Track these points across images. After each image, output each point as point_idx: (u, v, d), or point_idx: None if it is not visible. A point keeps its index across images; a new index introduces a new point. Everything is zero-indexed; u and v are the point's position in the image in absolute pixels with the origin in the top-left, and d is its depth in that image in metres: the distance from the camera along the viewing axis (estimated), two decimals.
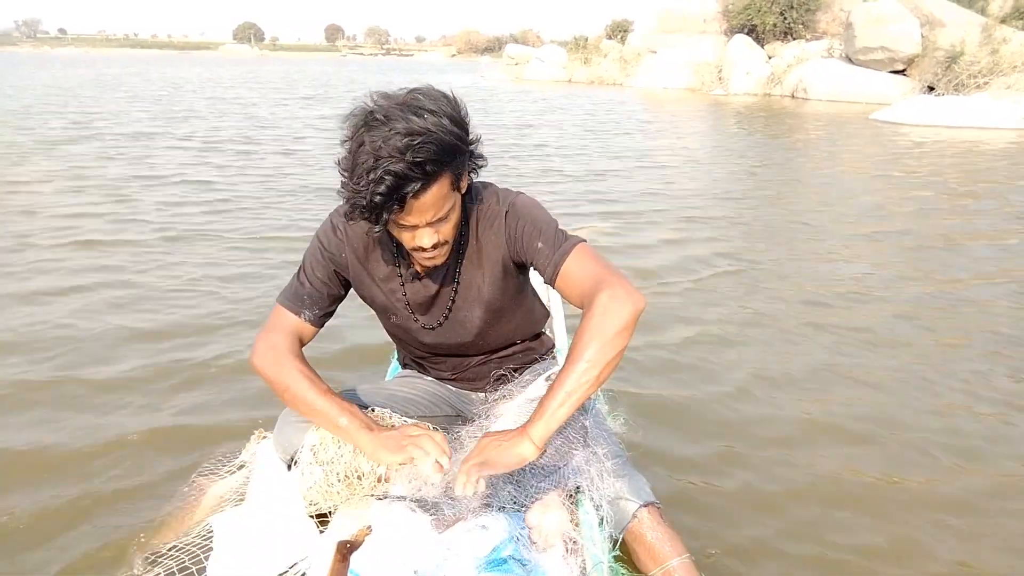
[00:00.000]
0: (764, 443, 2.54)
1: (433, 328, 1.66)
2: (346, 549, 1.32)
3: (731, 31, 28.33)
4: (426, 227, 1.39)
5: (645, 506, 1.50)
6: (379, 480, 1.51)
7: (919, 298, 4.11)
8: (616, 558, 1.44)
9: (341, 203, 1.43)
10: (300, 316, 1.58)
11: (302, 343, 1.59)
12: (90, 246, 4.79)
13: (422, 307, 1.63)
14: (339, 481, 1.50)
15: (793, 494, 2.24)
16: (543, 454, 1.42)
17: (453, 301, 1.62)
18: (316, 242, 1.61)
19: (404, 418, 1.61)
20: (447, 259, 1.54)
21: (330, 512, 1.53)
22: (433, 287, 1.60)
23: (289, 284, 1.63)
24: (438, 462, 1.42)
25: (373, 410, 1.59)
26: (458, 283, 1.60)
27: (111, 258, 4.54)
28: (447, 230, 1.43)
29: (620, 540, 1.49)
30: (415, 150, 1.25)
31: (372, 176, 1.25)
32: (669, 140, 11.77)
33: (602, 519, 1.45)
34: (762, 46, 27.14)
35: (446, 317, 1.64)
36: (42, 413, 2.53)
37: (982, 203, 6.93)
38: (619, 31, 36.09)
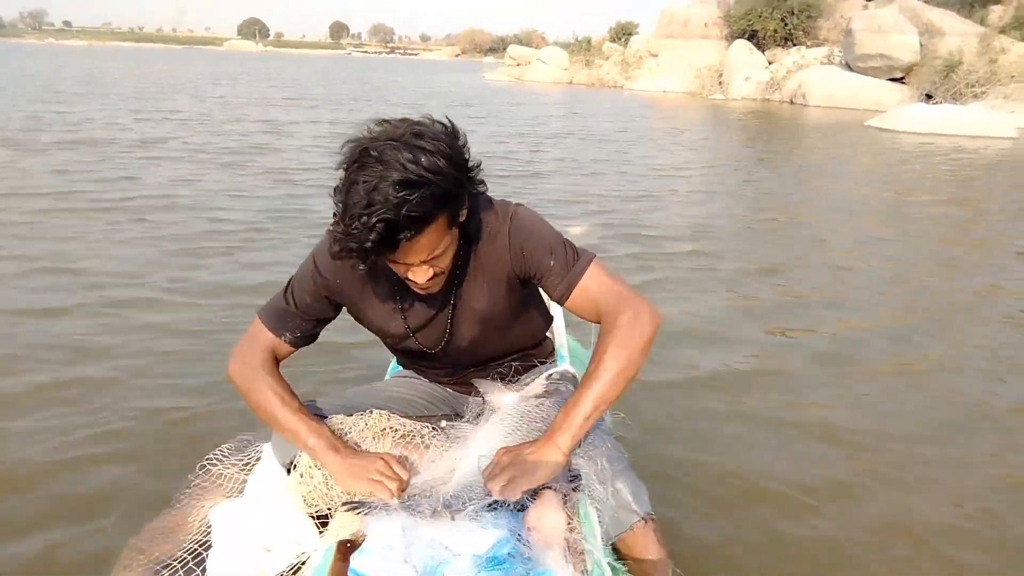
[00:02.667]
0: (765, 456, 2.51)
1: (432, 351, 1.63)
2: (346, 549, 1.31)
3: (732, 36, 28.40)
4: (421, 265, 1.35)
5: (643, 518, 1.50)
6: None
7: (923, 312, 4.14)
8: (616, 559, 1.46)
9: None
10: (280, 338, 1.54)
11: (278, 359, 1.56)
12: None
13: (420, 328, 1.59)
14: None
15: (798, 510, 2.20)
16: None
17: (451, 322, 1.58)
18: (311, 263, 1.53)
19: (403, 419, 1.60)
20: (440, 287, 1.49)
21: (330, 512, 1.51)
22: (432, 310, 1.56)
23: (273, 301, 1.56)
24: (397, 490, 1.43)
25: (371, 412, 1.58)
26: (455, 305, 1.56)
27: None
28: (443, 264, 1.39)
29: (612, 544, 1.51)
30: (409, 203, 1.20)
31: (364, 221, 1.20)
32: (691, 155, 11.08)
33: (601, 520, 1.46)
34: (762, 52, 27.19)
35: (446, 340, 1.61)
36: None
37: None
38: (623, 33, 36.12)
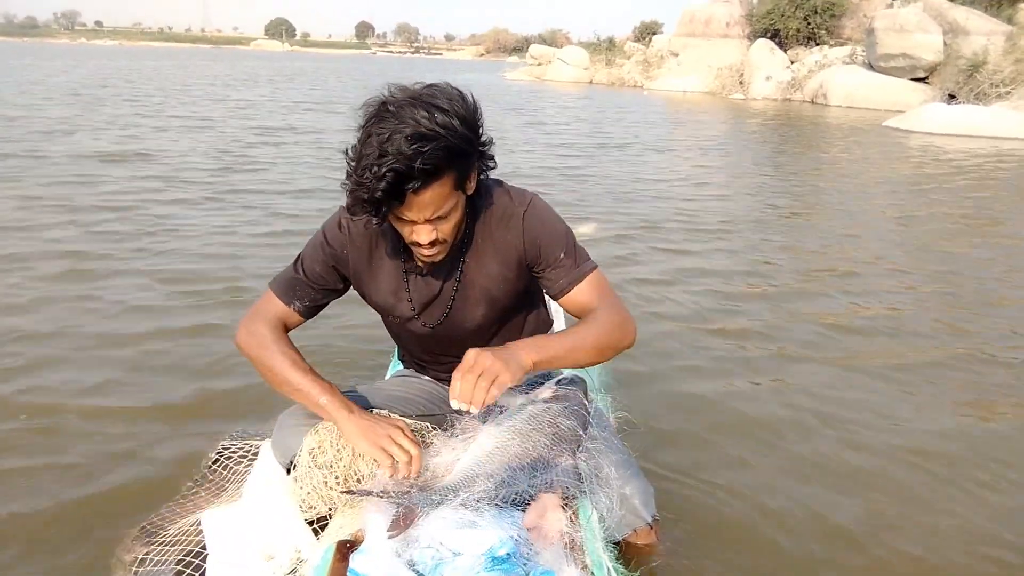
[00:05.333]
0: (771, 459, 2.48)
1: (433, 327, 1.65)
2: (345, 549, 1.32)
3: (754, 35, 28.14)
4: (425, 224, 1.38)
5: (648, 524, 1.58)
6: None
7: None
8: (616, 559, 1.48)
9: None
10: (290, 306, 1.59)
11: (287, 328, 1.60)
12: None
13: (424, 305, 1.62)
14: (338, 484, 1.49)
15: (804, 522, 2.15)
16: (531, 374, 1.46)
17: (454, 299, 1.61)
18: (320, 236, 1.60)
19: (401, 419, 1.61)
20: (448, 256, 1.53)
21: (329, 513, 1.53)
22: (436, 285, 1.59)
23: (284, 271, 1.62)
24: (406, 468, 1.45)
25: (372, 411, 1.59)
26: (460, 281, 1.59)
27: None
28: (446, 229, 1.42)
29: (616, 546, 1.55)
30: (422, 155, 1.25)
31: (375, 171, 1.26)
32: (724, 170, 9.93)
33: (603, 520, 1.49)
34: (785, 51, 26.93)
35: (446, 316, 1.63)
36: None
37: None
38: (647, 33, 35.96)
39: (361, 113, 1.33)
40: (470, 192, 1.45)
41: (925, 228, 6.35)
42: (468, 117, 1.34)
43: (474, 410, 1.34)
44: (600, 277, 1.58)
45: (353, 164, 1.32)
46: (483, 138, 1.40)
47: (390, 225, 1.47)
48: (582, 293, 1.55)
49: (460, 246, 1.55)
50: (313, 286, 1.60)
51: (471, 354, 1.38)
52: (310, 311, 1.62)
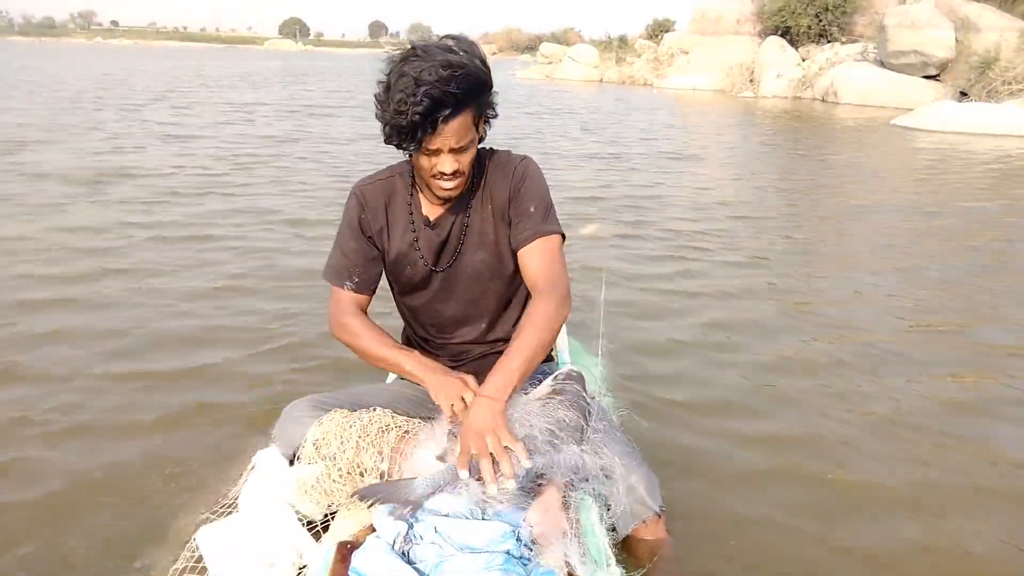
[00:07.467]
0: (769, 450, 2.51)
1: (443, 271, 1.75)
2: (346, 550, 1.33)
3: (764, 33, 27.99)
4: (448, 153, 1.53)
5: (656, 513, 1.61)
6: (381, 476, 1.51)
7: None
8: (616, 557, 1.49)
9: (359, 178, 1.75)
10: (343, 287, 1.75)
11: (362, 308, 1.76)
12: None
13: (435, 252, 1.74)
14: (341, 477, 1.51)
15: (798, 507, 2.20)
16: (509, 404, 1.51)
17: (462, 243, 1.73)
18: (344, 215, 1.77)
19: (404, 418, 1.67)
20: (455, 205, 1.70)
21: (330, 516, 1.54)
22: (444, 232, 1.72)
23: (330, 258, 1.79)
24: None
25: (375, 409, 1.64)
26: (467, 226, 1.72)
27: None
28: (465, 161, 1.58)
29: (623, 539, 1.58)
30: (456, 80, 1.44)
31: (413, 99, 1.43)
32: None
33: (603, 518, 1.51)
34: (796, 48, 26.77)
35: (454, 259, 1.74)
36: None
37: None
38: (660, 31, 35.82)
39: (387, 63, 1.52)
40: (482, 138, 1.64)
41: (1003, 267, 5.19)
42: (483, 58, 1.55)
43: (519, 470, 1.40)
44: (558, 245, 1.68)
45: (385, 102, 1.50)
46: (493, 82, 1.59)
47: (401, 186, 1.73)
48: (537, 255, 1.65)
49: (467, 196, 1.71)
50: (356, 260, 1.74)
51: (465, 443, 1.43)
52: (365, 285, 1.76)
